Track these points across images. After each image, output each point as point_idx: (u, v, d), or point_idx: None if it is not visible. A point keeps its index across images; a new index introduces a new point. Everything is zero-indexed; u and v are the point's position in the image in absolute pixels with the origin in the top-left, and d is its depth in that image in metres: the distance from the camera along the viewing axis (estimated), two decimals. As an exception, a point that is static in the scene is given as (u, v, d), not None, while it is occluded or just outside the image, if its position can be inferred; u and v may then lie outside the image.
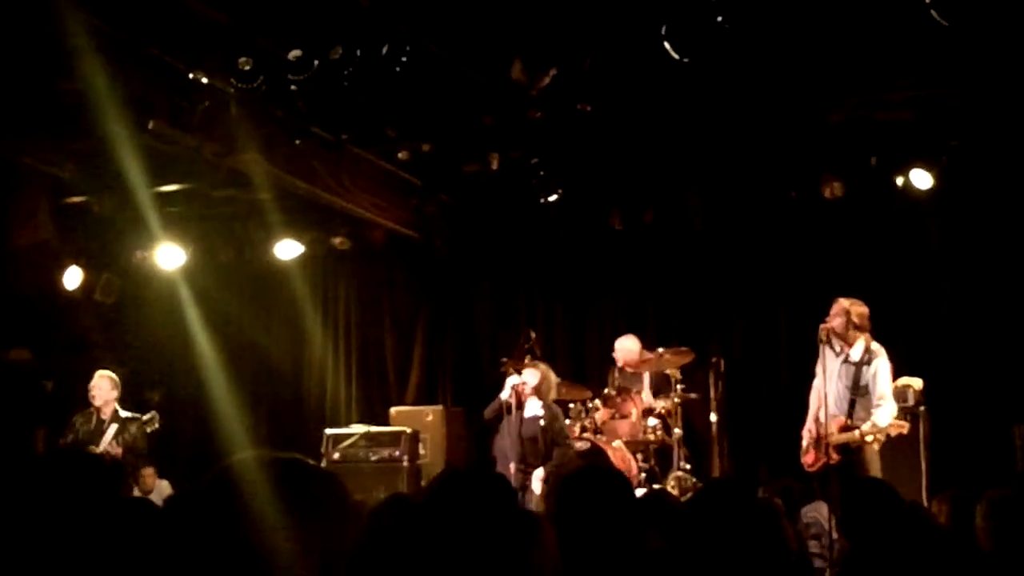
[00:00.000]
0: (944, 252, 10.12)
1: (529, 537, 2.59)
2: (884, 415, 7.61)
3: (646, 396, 10.06)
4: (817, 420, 7.88)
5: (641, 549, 3.33)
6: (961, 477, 7.92)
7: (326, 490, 2.06)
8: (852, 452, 7.64)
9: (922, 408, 8.94)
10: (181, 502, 4.04)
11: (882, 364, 7.79)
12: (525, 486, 8.80)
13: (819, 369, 7.88)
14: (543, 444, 8.86)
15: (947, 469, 8.77)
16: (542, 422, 8.87)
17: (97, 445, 9.02)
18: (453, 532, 2.40)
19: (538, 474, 8.75)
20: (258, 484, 1.97)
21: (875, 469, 7.58)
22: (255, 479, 1.98)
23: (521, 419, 8.87)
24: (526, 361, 9.22)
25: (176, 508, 3.91)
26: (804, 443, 7.95)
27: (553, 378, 9.11)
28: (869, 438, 7.52)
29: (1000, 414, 9.21)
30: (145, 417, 9.22)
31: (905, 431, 7.74)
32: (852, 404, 7.76)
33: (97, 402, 9.16)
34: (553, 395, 9.10)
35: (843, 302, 7.95)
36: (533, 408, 8.93)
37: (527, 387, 8.90)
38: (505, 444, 8.89)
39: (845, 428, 7.73)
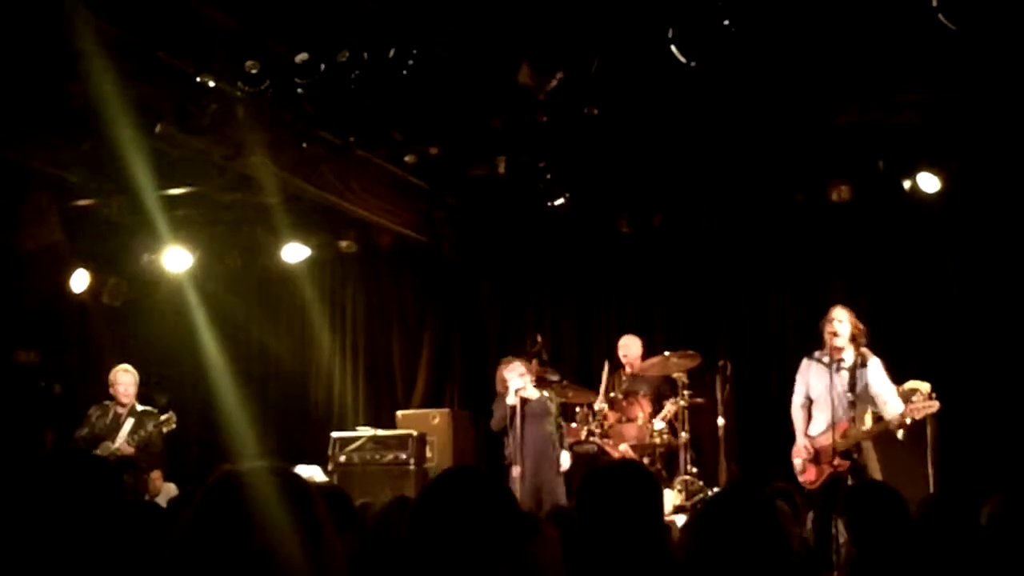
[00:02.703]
0: (952, 255, 10.08)
1: (524, 539, 2.58)
2: (896, 405, 7.67)
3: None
4: (808, 435, 7.93)
5: (663, 550, 3.32)
6: (969, 481, 7.89)
7: (318, 498, 2.05)
8: (855, 455, 7.65)
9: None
10: (182, 505, 4.03)
11: (876, 364, 7.84)
12: (541, 484, 8.97)
13: (799, 388, 8.08)
14: (555, 427, 9.21)
15: (955, 473, 8.74)
16: (551, 402, 9.26)
17: (113, 440, 9.06)
18: (444, 531, 2.39)
19: (564, 456, 9.14)
20: (257, 493, 1.97)
21: (874, 467, 7.64)
22: (253, 488, 1.98)
23: (532, 408, 9.14)
24: (510, 359, 9.40)
25: (178, 511, 3.91)
26: (799, 463, 7.95)
27: None
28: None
29: (1009, 417, 9.19)
30: (163, 417, 9.26)
31: (934, 410, 7.75)
32: (852, 405, 7.76)
33: (124, 399, 9.23)
34: None
35: (837, 311, 7.97)
36: (533, 394, 9.22)
37: (528, 381, 9.16)
38: (518, 440, 8.96)
39: (847, 434, 7.74)
